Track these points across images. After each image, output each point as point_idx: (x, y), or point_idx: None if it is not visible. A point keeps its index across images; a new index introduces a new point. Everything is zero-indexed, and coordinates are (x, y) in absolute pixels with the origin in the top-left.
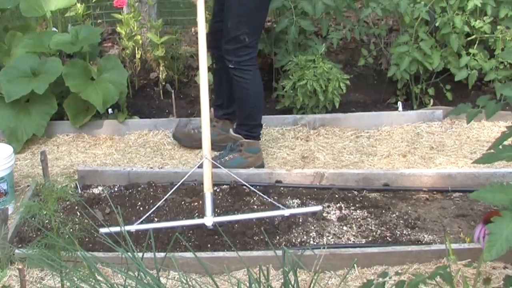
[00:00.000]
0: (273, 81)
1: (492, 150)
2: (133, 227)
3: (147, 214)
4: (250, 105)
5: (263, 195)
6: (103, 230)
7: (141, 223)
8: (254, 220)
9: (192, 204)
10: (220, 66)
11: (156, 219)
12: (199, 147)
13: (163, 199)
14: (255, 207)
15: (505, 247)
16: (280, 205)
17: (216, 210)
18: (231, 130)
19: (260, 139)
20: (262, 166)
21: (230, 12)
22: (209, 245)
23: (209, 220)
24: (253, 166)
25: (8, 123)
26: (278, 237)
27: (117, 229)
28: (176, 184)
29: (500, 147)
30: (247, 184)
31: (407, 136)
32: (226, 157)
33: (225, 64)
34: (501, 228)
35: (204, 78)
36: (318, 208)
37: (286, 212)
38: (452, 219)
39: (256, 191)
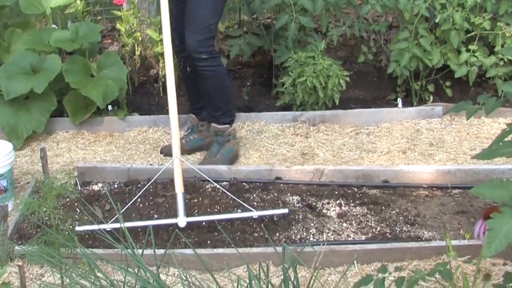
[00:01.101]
0: (273, 77)
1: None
2: (108, 226)
3: (122, 211)
4: (227, 91)
5: (228, 192)
6: (78, 228)
7: (115, 222)
8: (253, 218)
9: (192, 200)
10: (192, 68)
11: (156, 216)
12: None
13: (135, 198)
14: (255, 203)
15: (504, 243)
16: (248, 207)
17: (216, 206)
18: (213, 124)
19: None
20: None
21: (208, 2)
22: (209, 242)
23: (182, 220)
24: (235, 153)
25: (7, 120)
26: (278, 234)
27: (92, 227)
28: (150, 181)
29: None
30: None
31: (407, 133)
32: (218, 154)
33: (193, 65)
34: (500, 225)
35: (170, 77)
36: (285, 210)
37: (255, 214)
38: (451, 215)
39: (220, 187)
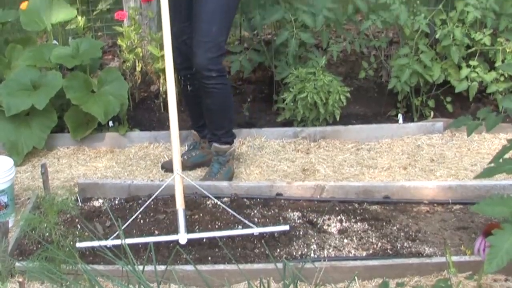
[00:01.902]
0: (274, 93)
1: (492, 164)
2: (108, 242)
3: (123, 228)
4: (231, 109)
5: (228, 209)
6: (79, 244)
7: (115, 238)
8: (254, 234)
9: (193, 216)
10: (194, 87)
11: (156, 232)
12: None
13: (136, 214)
14: (256, 219)
15: (505, 259)
16: (249, 223)
17: (217, 223)
18: (215, 144)
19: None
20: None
21: (214, 17)
22: (209, 258)
23: (183, 237)
24: (233, 172)
25: (8, 136)
26: (278, 250)
27: (92, 243)
28: (151, 197)
29: (501, 160)
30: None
31: (408, 149)
32: (218, 173)
33: (199, 82)
34: (501, 241)
35: (172, 93)
36: (285, 227)
37: (255, 230)
38: (453, 231)
39: (221, 203)
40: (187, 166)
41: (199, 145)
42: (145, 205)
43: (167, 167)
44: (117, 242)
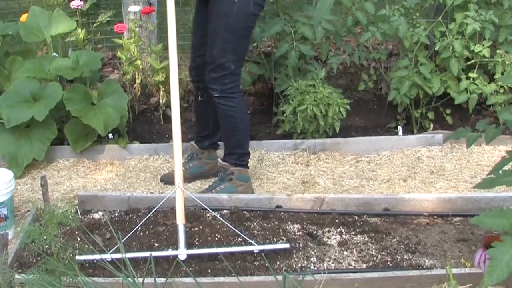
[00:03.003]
0: (273, 106)
1: (492, 175)
2: (108, 256)
3: (123, 240)
4: (237, 134)
5: (229, 224)
6: (79, 257)
7: (114, 252)
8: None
9: (193, 229)
10: (206, 98)
11: (156, 245)
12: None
13: (136, 228)
14: (256, 232)
15: (506, 272)
16: (250, 240)
17: (217, 235)
18: (219, 160)
19: (248, 167)
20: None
21: (216, 39)
22: (209, 270)
23: (182, 252)
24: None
25: (8, 148)
26: (278, 262)
27: (93, 257)
28: (151, 210)
29: (500, 172)
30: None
31: (407, 161)
32: (217, 187)
33: (210, 95)
34: (501, 253)
35: (175, 107)
36: (286, 245)
37: (255, 248)
38: (453, 243)
39: (221, 218)
40: (186, 178)
41: (197, 156)
42: (145, 219)
43: (166, 180)
44: (117, 255)
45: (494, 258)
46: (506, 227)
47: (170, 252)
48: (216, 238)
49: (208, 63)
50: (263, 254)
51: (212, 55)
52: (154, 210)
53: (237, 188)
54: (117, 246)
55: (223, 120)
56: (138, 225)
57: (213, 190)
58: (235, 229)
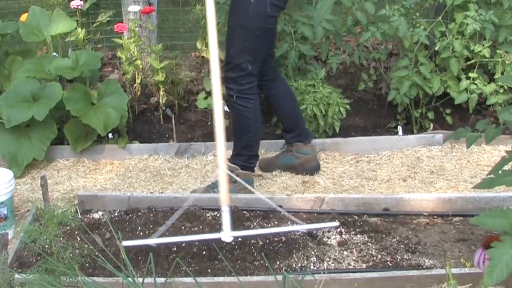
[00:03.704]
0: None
1: (491, 175)
2: (152, 241)
3: (167, 226)
4: (249, 135)
5: (283, 210)
6: (125, 243)
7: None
8: (253, 246)
9: (193, 229)
10: (265, 95)
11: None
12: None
13: (173, 219)
14: None
15: (505, 272)
16: (298, 220)
17: None
18: (227, 160)
19: (254, 171)
20: None
21: (233, 39)
22: (209, 270)
23: (227, 235)
24: None
25: (8, 148)
26: (278, 262)
27: (139, 242)
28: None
29: (500, 171)
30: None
31: (407, 161)
32: (219, 188)
33: (228, 95)
34: (501, 253)
35: (217, 96)
36: (335, 224)
37: (303, 227)
38: (452, 243)
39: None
40: (275, 166)
41: (288, 149)
42: (175, 217)
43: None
44: (163, 240)
45: (493, 258)
46: (506, 227)
47: (214, 235)
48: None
49: (226, 63)
50: (263, 254)
51: (230, 54)
52: (183, 209)
53: (239, 191)
54: (160, 231)
55: (236, 120)
56: (169, 222)
57: (215, 190)
58: (289, 215)
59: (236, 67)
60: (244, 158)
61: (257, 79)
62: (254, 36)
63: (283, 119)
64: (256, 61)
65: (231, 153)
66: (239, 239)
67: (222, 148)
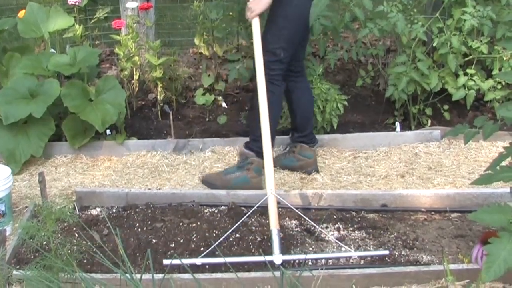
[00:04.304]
0: None
1: (489, 171)
2: (198, 261)
3: (212, 246)
4: (270, 122)
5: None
6: (166, 261)
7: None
8: (252, 242)
9: (190, 225)
10: (286, 87)
11: (154, 241)
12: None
13: (239, 222)
14: (253, 228)
15: (503, 268)
16: (347, 247)
17: (214, 231)
18: (242, 146)
19: None
20: (260, 188)
21: (273, 25)
22: (207, 266)
23: (278, 258)
24: (255, 188)
25: (6, 145)
26: None
27: (184, 261)
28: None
29: (498, 167)
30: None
31: (405, 157)
32: (233, 174)
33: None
34: (498, 249)
35: (263, 100)
36: (385, 252)
37: (353, 254)
38: (450, 239)
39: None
40: (275, 165)
41: (291, 149)
42: (248, 213)
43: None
44: (208, 261)
45: (491, 254)
46: (504, 223)
47: (266, 258)
48: (214, 234)
49: (263, 47)
50: (261, 250)
51: (266, 39)
52: (255, 207)
53: (251, 180)
54: (208, 250)
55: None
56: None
57: (227, 176)
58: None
59: (269, 51)
60: (260, 144)
61: (286, 68)
62: (293, 25)
63: (296, 116)
64: (289, 49)
65: (250, 138)
66: (237, 235)
67: (270, 169)
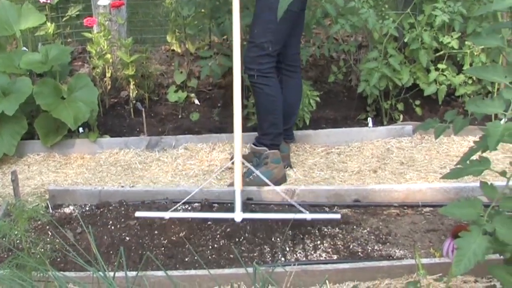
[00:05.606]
0: (244, 98)
1: (459, 166)
2: (166, 214)
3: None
4: (275, 113)
5: (282, 194)
6: (138, 213)
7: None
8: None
9: (163, 222)
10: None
11: (127, 238)
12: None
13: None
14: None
15: (473, 261)
16: (302, 209)
17: (188, 227)
18: (252, 145)
19: (279, 149)
20: (284, 177)
21: (259, 18)
22: (177, 265)
23: (238, 215)
24: (278, 177)
25: None
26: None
27: (150, 214)
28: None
29: (468, 162)
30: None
31: (378, 152)
32: (254, 174)
33: (249, 76)
34: (468, 243)
35: (237, 89)
36: (337, 216)
37: (308, 216)
38: (423, 233)
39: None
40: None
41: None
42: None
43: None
44: (176, 214)
45: (461, 248)
46: (474, 217)
47: (226, 215)
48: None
49: (248, 42)
50: (233, 247)
51: (253, 34)
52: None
53: (273, 171)
54: (177, 205)
55: (261, 100)
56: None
57: (250, 177)
58: (290, 200)
59: (257, 46)
60: (271, 136)
61: (275, 61)
62: (280, 18)
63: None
64: (277, 43)
65: (258, 134)
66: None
67: (238, 137)
